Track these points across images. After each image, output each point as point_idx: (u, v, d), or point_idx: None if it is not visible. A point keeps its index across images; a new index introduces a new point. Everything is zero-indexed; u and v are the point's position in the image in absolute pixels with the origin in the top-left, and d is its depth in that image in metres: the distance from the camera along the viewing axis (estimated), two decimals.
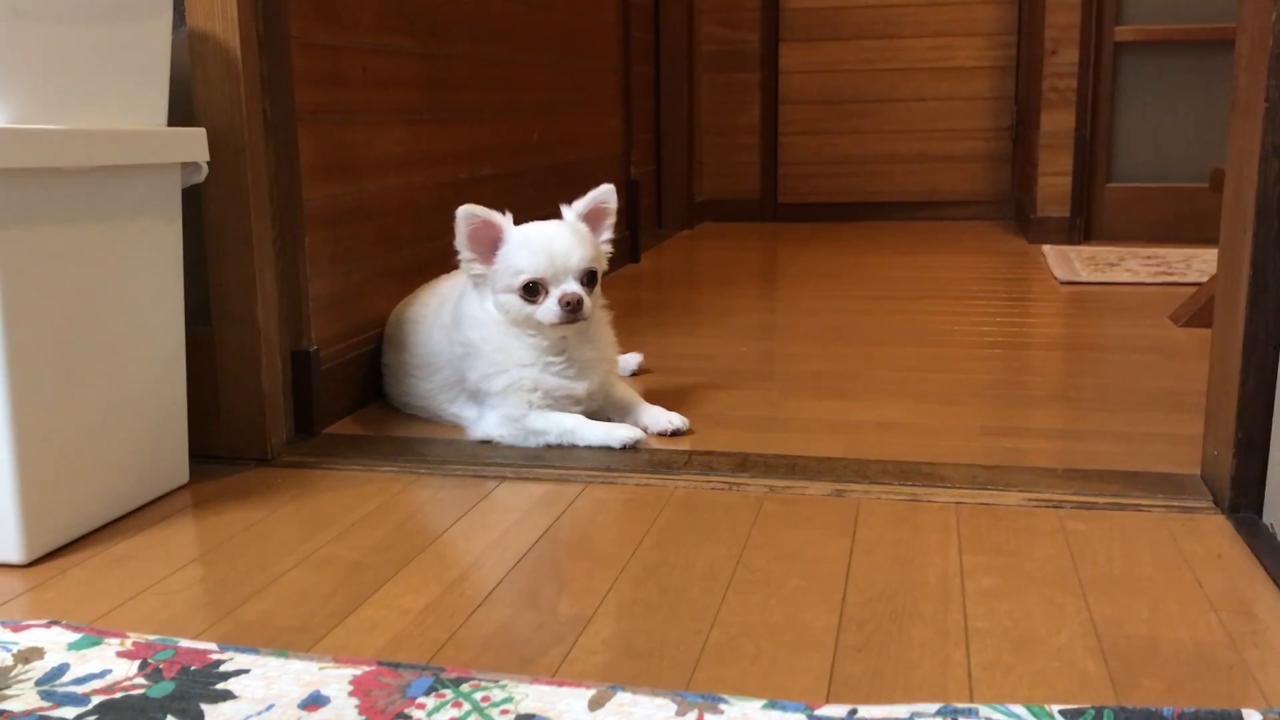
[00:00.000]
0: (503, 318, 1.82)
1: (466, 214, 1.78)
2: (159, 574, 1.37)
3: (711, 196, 5.49)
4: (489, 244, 1.81)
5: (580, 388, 1.85)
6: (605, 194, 1.89)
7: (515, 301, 1.79)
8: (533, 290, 1.78)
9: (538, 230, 1.81)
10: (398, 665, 1.09)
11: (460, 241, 1.80)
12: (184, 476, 1.70)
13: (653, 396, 2.03)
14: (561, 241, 1.79)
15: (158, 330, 1.62)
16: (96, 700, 1.04)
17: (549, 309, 1.77)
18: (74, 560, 1.41)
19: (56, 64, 1.42)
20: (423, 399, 2.03)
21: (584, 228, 1.86)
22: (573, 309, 1.77)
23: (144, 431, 1.60)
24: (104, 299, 1.51)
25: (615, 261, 4.18)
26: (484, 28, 2.79)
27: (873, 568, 1.35)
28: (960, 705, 1.02)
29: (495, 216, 1.81)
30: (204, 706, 1.02)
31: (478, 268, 1.82)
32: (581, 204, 1.88)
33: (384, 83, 2.25)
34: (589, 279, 1.82)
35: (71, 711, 1.02)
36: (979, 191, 5.28)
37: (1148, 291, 3.34)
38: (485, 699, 1.02)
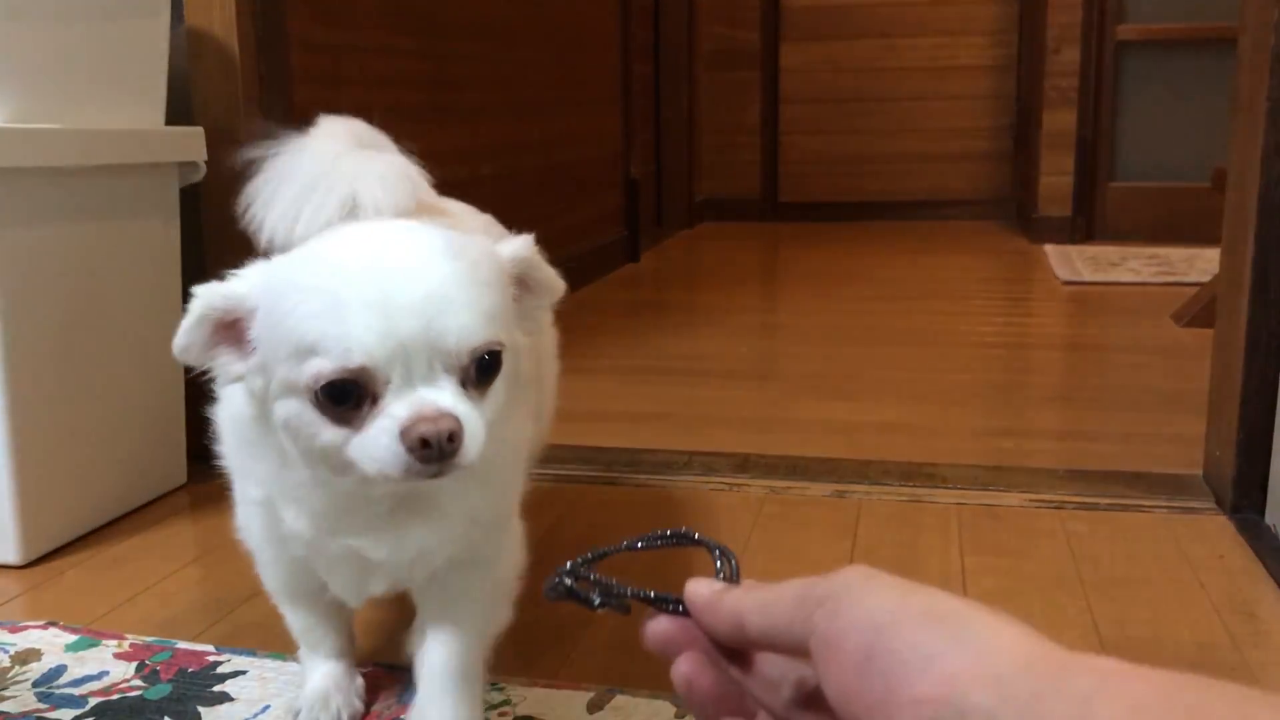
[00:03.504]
0: (275, 442, 0.81)
1: (203, 308, 0.77)
2: (157, 575, 1.36)
3: (711, 196, 5.49)
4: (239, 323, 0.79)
5: (382, 554, 0.86)
6: (527, 253, 0.83)
7: (307, 417, 0.75)
8: (343, 397, 0.73)
9: (355, 252, 0.77)
10: (394, 667, 1.08)
11: (192, 347, 0.78)
12: (182, 477, 1.69)
13: (652, 397, 2.02)
14: (417, 287, 0.73)
15: (156, 330, 1.61)
16: (94, 702, 1.04)
17: (381, 442, 0.73)
18: (71, 561, 1.41)
19: (54, 63, 1.42)
20: None
21: (483, 268, 0.78)
22: (438, 450, 0.72)
23: (142, 432, 1.60)
24: (101, 298, 1.50)
25: (615, 261, 4.22)
26: (483, 27, 2.79)
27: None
28: None
29: (249, 283, 0.78)
30: (201, 709, 1.02)
31: (232, 365, 0.79)
32: (515, 246, 0.83)
33: (383, 82, 2.24)
34: (483, 368, 0.76)
35: (68, 713, 1.02)
36: (980, 191, 5.27)
37: (1150, 291, 3.33)
38: (484, 701, 1.02)
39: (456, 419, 0.72)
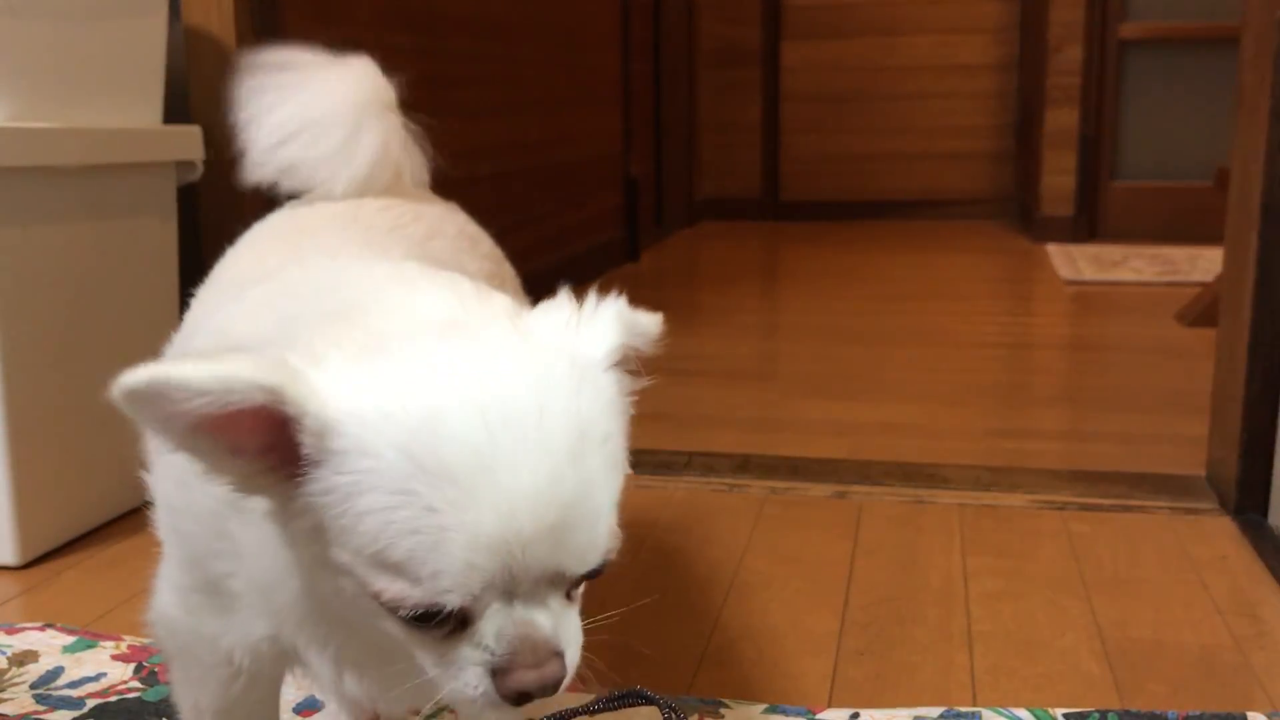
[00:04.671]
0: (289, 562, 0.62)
1: (231, 382, 0.53)
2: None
3: (712, 195, 5.48)
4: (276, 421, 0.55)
5: (355, 691, 0.69)
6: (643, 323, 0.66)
7: (372, 609, 0.57)
8: (427, 618, 0.55)
9: (469, 432, 0.53)
10: None
11: (174, 421, 0.54)
12: None
13: (652, 397, 2.02)
14: (547, 511, 0.54)
15: (153, 329, 1.60)
16: (91, 704, 1.03)
17: (469, 680, 0.57)
18: (69, 562, 1.40)
19: (51, 62, 1.41)
20: None
21: (612, 428, 0.59)
22: (531, 695, 0.58)
23: (140, 432, 1.59)
24: (99, 298, 1.50)
25: (614, 261, 4.21)
26: (482, 25, 2.78)
27: (875, 570, 1.34)
28: (963, 709, 1.01)
29: (331, 401, 0.54)
30: None
31: (256, 477, 0.57)
32: (607, 328, 0.62)
33: None
34: (593, 573, 0.59)
35: (66, 715, 1.01)
36: (982, 190, 5.27)
37: (1153, 291, 3.32)
38: None
39: (562, 661, 0.57)
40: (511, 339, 0.58)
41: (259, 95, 0.99)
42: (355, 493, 0.53)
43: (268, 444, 0.54)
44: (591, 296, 0.62)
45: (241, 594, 0.67)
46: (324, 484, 0.54)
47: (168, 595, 0.74)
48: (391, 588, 0.54)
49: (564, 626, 0.57)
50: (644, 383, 0.64)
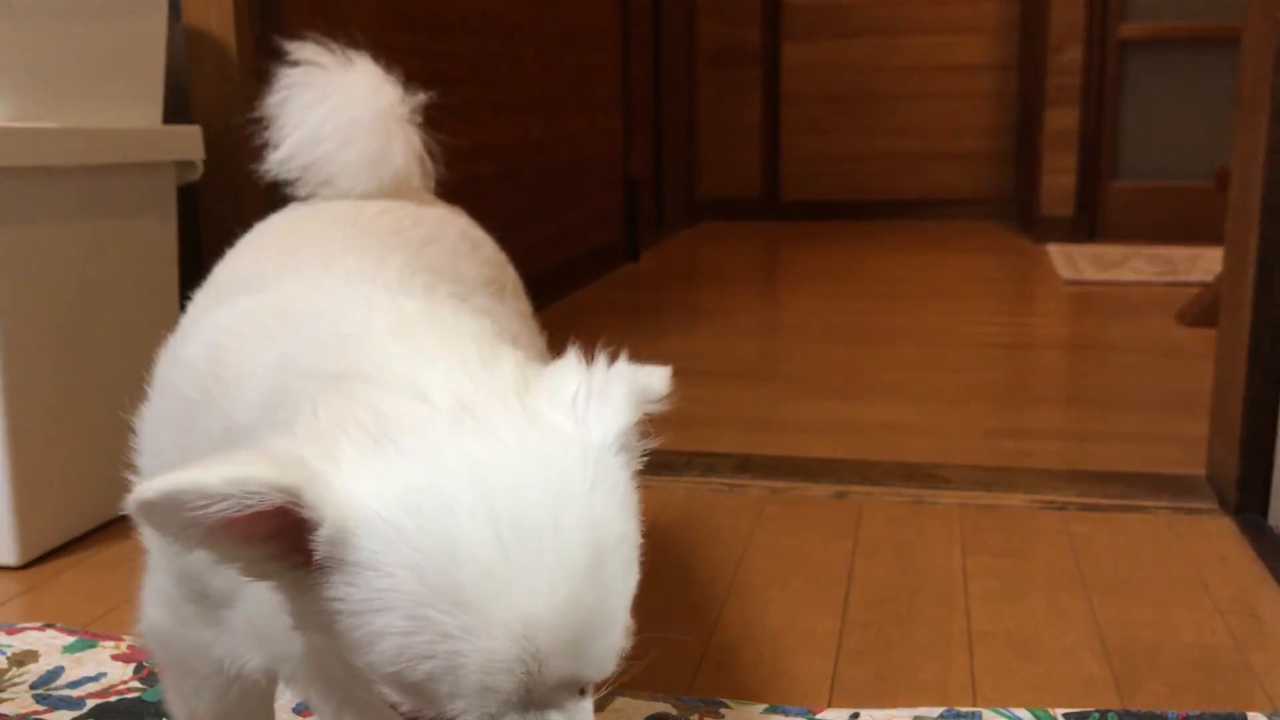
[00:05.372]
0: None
1: (247, 485, 0.51)
2: None
3: (712, 195, 5.48)
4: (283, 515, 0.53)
5: None
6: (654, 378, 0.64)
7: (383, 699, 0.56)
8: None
9: (484, 546, 0.52)
10: None
11: (191, 529, 0.52)
12: None
13: None
14: (565, 627, 0.53)
15: (153, 330, 1.60)
16: (91, 704, 1.03)
17: None
18: (69, 562, 1.40)
19: (51, 62, 1.41)
20: None
21: (618, 486, 0.57)
22: None
23: None
24: (99, 298, 1.50)
25: (614, 261, 4.22)
26: (482, 25, 2.78)
27: (875, 570, 1.34)
28: (964, 709, 1.01)
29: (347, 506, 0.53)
30: None
31: (267, 563, 0.56)
32: (618, 407, 0.59)
33: None
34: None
35: (66, 715, 1.01)
36: (982, 190, 5.27)
37: (1153, 291, 3.32)
38: None
39: None
40: (522, 431, 0.55)
41: (293, 92, 1.00)
42: (370, 610, 0.52)
43: (279, 531, 0.53)
44: (600, 362, 0.60)
45: (238, 626, 0.66)
46: (337, 592, 0.53)
47: (157, 607, 0.73)
48: (407, 703, 0.53)
49: None
50: (653, 443, 0.61)
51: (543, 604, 0.51)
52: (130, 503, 0.51)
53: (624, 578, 0.55)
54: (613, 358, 0.61)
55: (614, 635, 0.55)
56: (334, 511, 0.52)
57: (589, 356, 0.61)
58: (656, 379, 0.62)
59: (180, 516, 0.51)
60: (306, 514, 0.52)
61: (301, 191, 1.00)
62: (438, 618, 0.50)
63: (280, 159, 1.00)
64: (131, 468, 0.72)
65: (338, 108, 1.01)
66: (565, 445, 0.55)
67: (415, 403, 0.56)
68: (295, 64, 1.02)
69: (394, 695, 0.53)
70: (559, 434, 0.56)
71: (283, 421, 0.57)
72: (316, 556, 0.53)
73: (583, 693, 0.57)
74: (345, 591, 0.52)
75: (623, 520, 0.56)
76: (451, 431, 0.54)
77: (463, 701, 0.51)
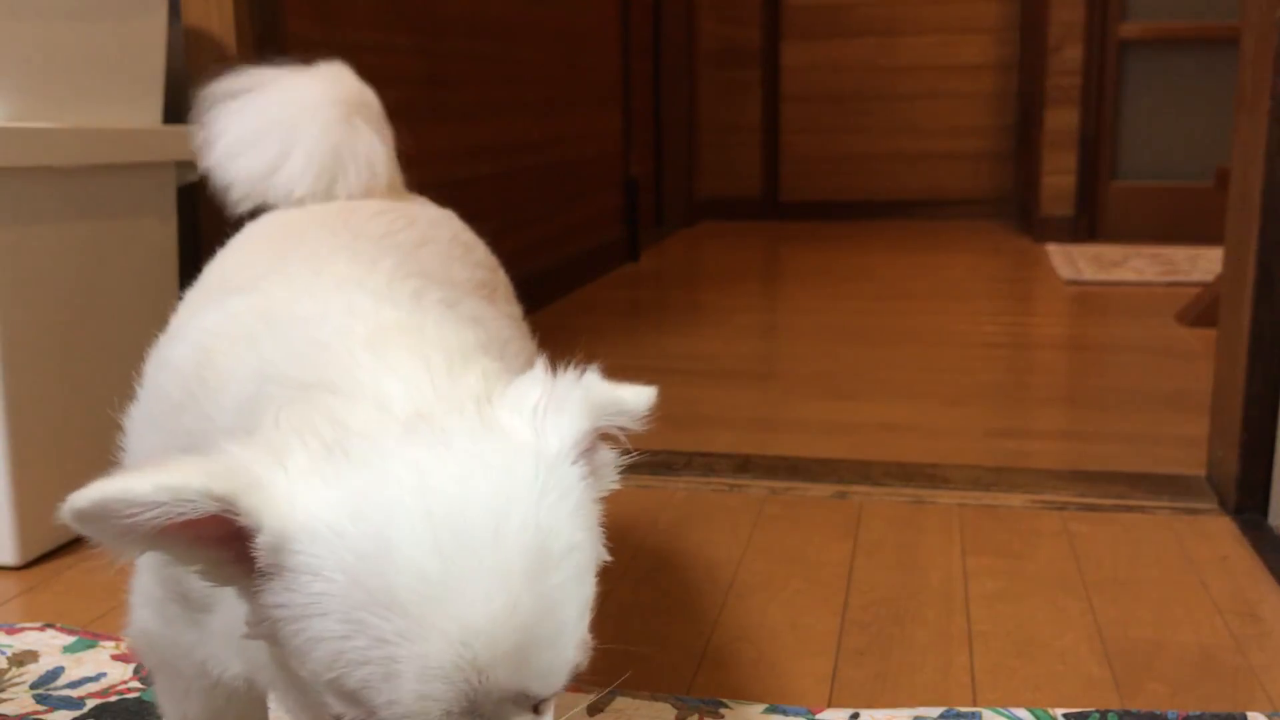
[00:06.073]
0: None
1: (180, 491, 0.51)
2: None
3: (712, 195, 5.48)
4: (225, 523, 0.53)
5: None
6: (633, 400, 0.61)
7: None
8: None
9: (423, 551, 0.51)
10: None
11: (131, 535, 0.52)
12: None
13: None
14: (507, 636, 0.52)
15: (153, 330, 1.60)
16: (91, 704, 1.03)
17: None
18: (69, 563, 1.40)
19: (51, 61, 1.41)
20: None
21: (569, 494, 0.57)
22: None
23: None
24: (99, 298, 1.50)
25: (614, 261, 4.21)
26: (482, 24, 2.78)
27: (875, 570, 1.34)
28: (963, 709, 1.01)
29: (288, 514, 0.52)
30: None
31: (224, 567, 0.55)
32: (572, 415, 0.58)
33: (380, 80, 2.23)
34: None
35: (66, 715, 1.01)
36: (982, 190, 5.27)
37: (1153, 291, 3.32)
38: None
39: None
40: (475, 440, 0.54)
41: (216, 119, 0.98)
42: (307, 615, 0.51)
43: (229, 536, 0.52)
44: (565, 372, 0.59)
45: (217, 631, 0.66)
46: (277, 599, 0.52)
47: (144, 610, 0.73)
48: (349, 713, 0.52)
49: None
50: (627, 461, 0.60)
51: (479, 611, 0.50)
52: (64, 511, 0.50)
53: (574, 588, 0.54)
54: (584, 368, 0.59)
55: (562, 648, 0.53)
56: (273, 518, 0.51)
57: (567, 365, 0.60)
58: (633, 396, 0.60)
59: (114, 524, 0.50)
60: (243, 521, 0.51)
61: (246, 202, 0.99)
62: (373, 622, 0.50)
63: (231, 187, 0.98)
64: (118, 468, 0.70)
65: (250, 116, 0.98)
66: (517, 453, 0.55)
67: (375, 412, 0.56)
68: (226, 94, 0.98)
69: (337, 704, 0.52)
70: (512, 442, 0.55)
71: (254, 428, 0.57)
72: (259, 563, 0.52)
73: (537, 710, 0.55)
74: (285, 597, 0.52)
75: (574, 530, 0.55)
76: (403, 440, 0.54)
77: (402, 709, 0.50)
